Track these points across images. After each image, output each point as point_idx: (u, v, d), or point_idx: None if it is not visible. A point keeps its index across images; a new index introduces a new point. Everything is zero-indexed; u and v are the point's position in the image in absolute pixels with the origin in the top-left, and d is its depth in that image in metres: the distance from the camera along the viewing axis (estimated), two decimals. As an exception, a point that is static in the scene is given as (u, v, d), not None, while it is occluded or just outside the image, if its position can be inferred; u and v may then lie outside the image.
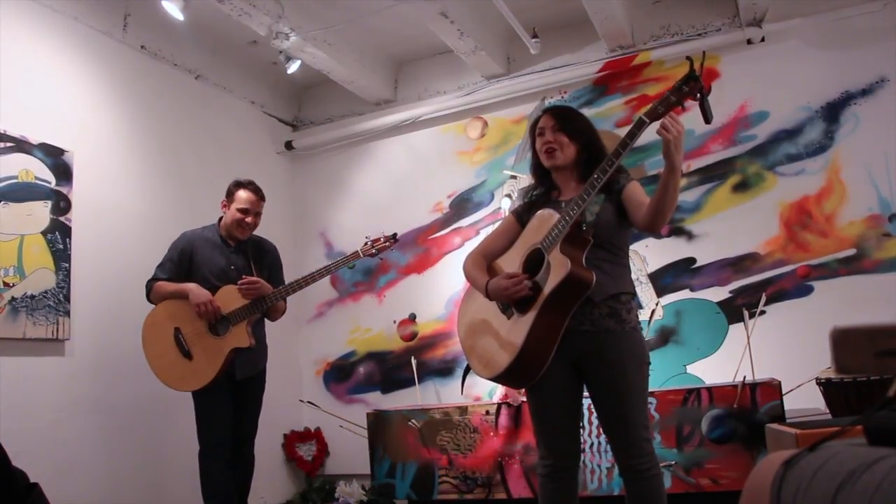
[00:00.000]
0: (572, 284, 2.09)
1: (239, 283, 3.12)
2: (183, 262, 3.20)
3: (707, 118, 1.99)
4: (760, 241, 3.99)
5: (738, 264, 4.02)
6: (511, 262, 2.32)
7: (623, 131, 2.07)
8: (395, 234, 3.35)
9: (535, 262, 2.23)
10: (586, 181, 2.13)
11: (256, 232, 3.36)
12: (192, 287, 3.11)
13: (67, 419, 3.33)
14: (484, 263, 2.41)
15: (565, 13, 4.37)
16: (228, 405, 3.15)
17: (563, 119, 2.32)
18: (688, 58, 1.99)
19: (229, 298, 3.11)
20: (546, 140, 2.30)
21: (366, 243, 3.29)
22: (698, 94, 1.96)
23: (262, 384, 3.32)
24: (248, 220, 3.23)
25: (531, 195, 2.44)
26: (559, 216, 2.16)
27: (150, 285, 3.20)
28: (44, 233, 3.34)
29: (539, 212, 2.28)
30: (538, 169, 2.40)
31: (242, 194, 3.23)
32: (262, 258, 3.34)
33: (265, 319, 3.35)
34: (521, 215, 2.40)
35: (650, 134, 2.05)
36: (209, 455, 3.10)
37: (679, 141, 1.97)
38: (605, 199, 2.21)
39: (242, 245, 3.30)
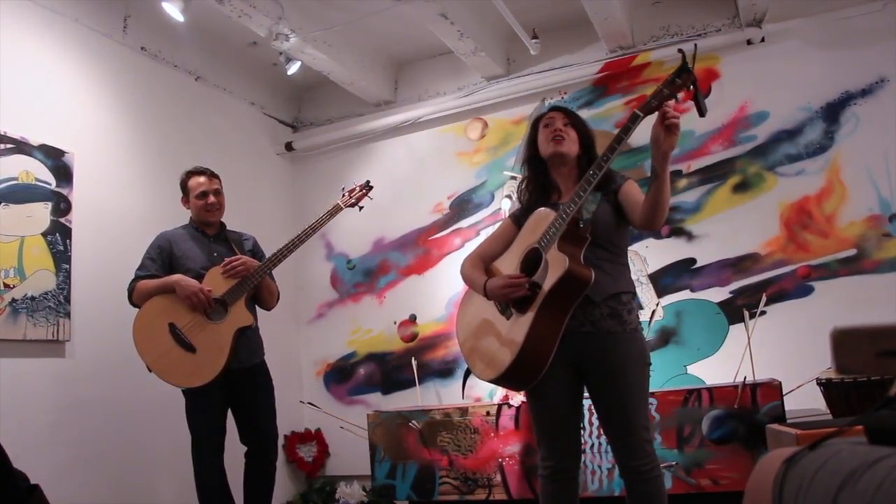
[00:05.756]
0: (571, 282, 2.09)
1: (221, 266, 3.00)
2: (163, 258, 3.07)
3: (701, 111, 1.99)
4: (761, 242, 3.99)
5: (739, 265, 4.02)
6: (509, 264, 2.32)
7: (624, 132, 2.08)
8: (367, 181, 3.42)
9: (532, 261, 2.22)
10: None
11: (237, 228, 3.31)
12: (176, 278, 2.96)
13: (67, 420, 3.33)
14: (482, 266, 2.41)
15: (565, 14, 4.37)
16: (218, 404, 3.02)
17: (573, 116, 2.39)
18: (680, 50, 2.00)
19: (218, 282, 2.98)
20: (556, 128, 2.32)
21: (343, 195, 3.35)
22: (691, 87, 1.97)
23: (266, 379, 3.18)
24: (211, 200, 3.13)
25: (527, 193, 2.42)
26: (556, 214, 2.16)
27: (131, 286, 3.04)
28: (44, 234, 3.34)
29: (535, 211, 2.28)
30: (533, 162, 2.40)
31: (192, 182, 3.16)
32: (243, 244, 3.24)
33: (259, 309, 3.21)
34: (519, 219, 2.40)
35: (648, 135, 2.05)
36: (197, 457, 3.00)
37: (678, 130, 1.98)
38: (602, 199, 2.22)
39: (222, 234, 3.22)
